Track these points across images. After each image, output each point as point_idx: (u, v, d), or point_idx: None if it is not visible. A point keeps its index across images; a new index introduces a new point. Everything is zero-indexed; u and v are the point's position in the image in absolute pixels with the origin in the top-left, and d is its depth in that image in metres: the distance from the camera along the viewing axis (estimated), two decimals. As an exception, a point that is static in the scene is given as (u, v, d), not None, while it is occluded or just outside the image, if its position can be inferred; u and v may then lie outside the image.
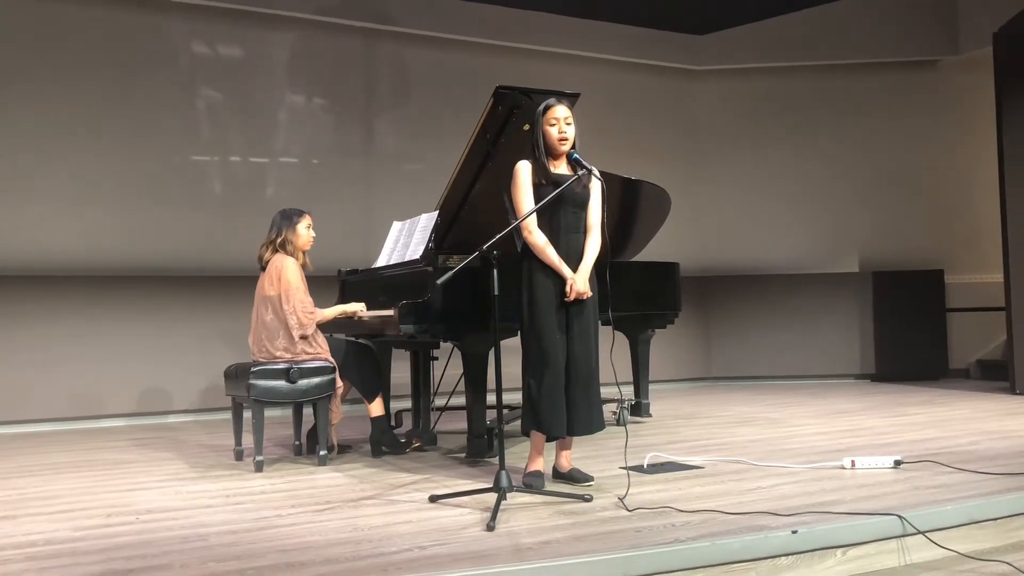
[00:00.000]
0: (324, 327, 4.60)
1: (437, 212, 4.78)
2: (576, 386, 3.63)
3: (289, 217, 4.60)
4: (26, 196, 6.39)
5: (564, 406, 3.61)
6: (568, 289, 3.57)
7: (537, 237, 3.62)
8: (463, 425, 4.52)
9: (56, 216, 6.47)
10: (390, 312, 4.39)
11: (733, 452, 4.44)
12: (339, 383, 4.51)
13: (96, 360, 6.48)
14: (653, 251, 5.80)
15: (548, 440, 3.72)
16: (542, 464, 3.74)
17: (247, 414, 4.50)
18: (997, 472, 3.65)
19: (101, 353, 6.50)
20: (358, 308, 4.69)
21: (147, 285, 6.69)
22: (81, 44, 6.62)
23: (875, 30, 8.61)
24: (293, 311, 4.40)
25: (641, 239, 5.72)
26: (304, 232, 4.60)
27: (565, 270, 3.60)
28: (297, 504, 3.51)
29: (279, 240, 4.55)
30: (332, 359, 4.50)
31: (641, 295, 5.48)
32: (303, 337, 4.42)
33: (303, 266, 4.58)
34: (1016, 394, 6.78)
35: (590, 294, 3.63)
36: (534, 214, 3.60)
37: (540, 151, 3.68)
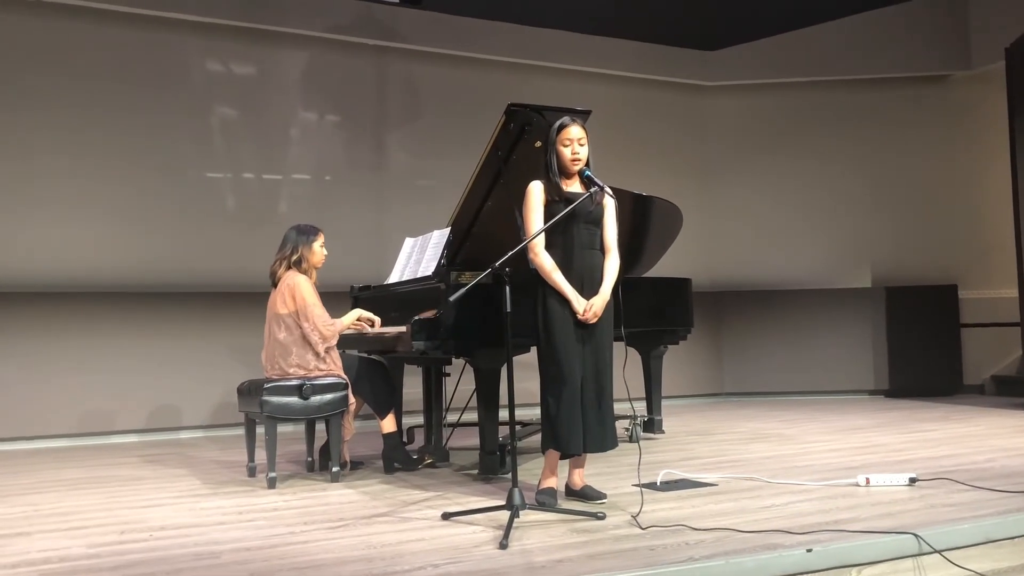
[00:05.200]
0: (337, 343, 4.60)
1: (449, 228, 4.80)
2: (590, 403, 3.62)
3: (306, 234, 4.60)
4: (38, 212, 6.45)
5: (581, 424, 3.60)
6: (587, 309, 3.57)
7: (544, 260, 3.62)
8: (475, 441, 4.52)
9: (70, 232, 6.51)
10: (402, 328, 4.40)
11: (747, 469, 4.42)
12: (352, 399, 4.52)
13: (108, 376, 6.51)
14: (665, 267, 5.80)
15: (563, 457, 3.71)
16: (555, 481, 3.73)
17: (260, 430, 4.50)
18: (1014, 490, 3.62)
19: (113, 369, 6.53)
20: (374, 318, 4.70)
21: (160, 301, 6.72)
22: (95, 61, 6.69)
23: (887, 45, 8.61)
24: (314, 327, 4.41)
25: (653, 255, 5.72)
26: (319, 250, 4.62)
27: (572, 296, 3.58)
28: (310, 521, 3.51)
29: (295, 258, 4.56)
30: (345, 375, 4.51)
31: (653, 311, 5.48)
32: (328, 350, 4.44)
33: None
34: (1032, 410, 6.73)
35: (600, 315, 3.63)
36: (542, 236, 3.61)
37: (553, 171, 3.69)
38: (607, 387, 3.68)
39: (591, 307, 3.58)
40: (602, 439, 3.66)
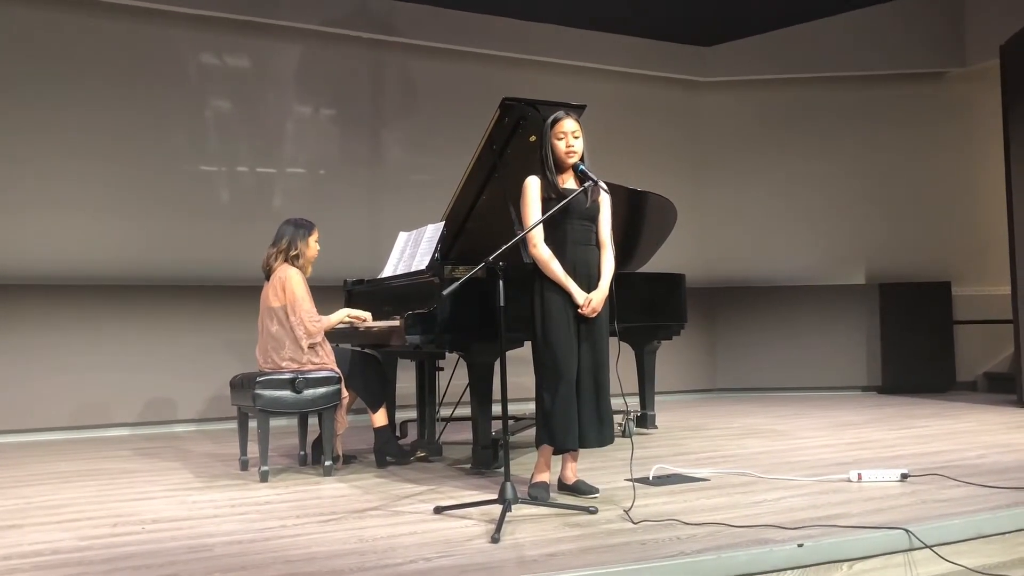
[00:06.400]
0: (330, 337, 4.61)
1: (443, 223, 4.79)
2: (587, 398, 3.63)
3: (303, 228, 4.60)
4: (33, 205, 6.43)
5: (576, 419, 3.61)
6: (585, 304, 3.58)
7: (542, 251, 3.63)
8: (468, 436, 4.52)
9: (63, 225, 6.49)
10: (396, 322, 4.40)
11: (739, 464, 4.43)
12: (344, 393, 4.51)
13: (102, 369, 6.50)
14: (659, 262, 5.80)
15: (556, 452, 3.72)
16: (548, 476, 3.73)
17: (253, 424, 4.50)
18: (1005, 486, 3.64)
19: (107, 362, 6.52)
20: (364, 315, 4.69)
21: (153, 294, 6.71)
22: (90, 54, 6.67)
23: (882, 42, 8.62)
24: (300, 322, 4.41)
25: (647, 250, 5.73)
26: (314, 245, 4.62)
27: (572, 287, 3.59)
28: (302, 514, 3.51)
29: (293, 252, 4.55)
30: (338, 369, 4.51)
31: (647, 306, 5.47)
32: (312, 346, 4.43)
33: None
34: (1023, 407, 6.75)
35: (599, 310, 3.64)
36: (540, 227, 3.61)
37: (548, 165, 3.69)
38: (605, 383, 3.69)
39: (590, 301, 3.58)
40: (601, 434, 3.67)
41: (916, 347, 8.40)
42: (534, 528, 3.16)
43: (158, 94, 6.85)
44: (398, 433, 5.22)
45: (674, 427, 6.15)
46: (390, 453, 4.70)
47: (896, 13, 8.59)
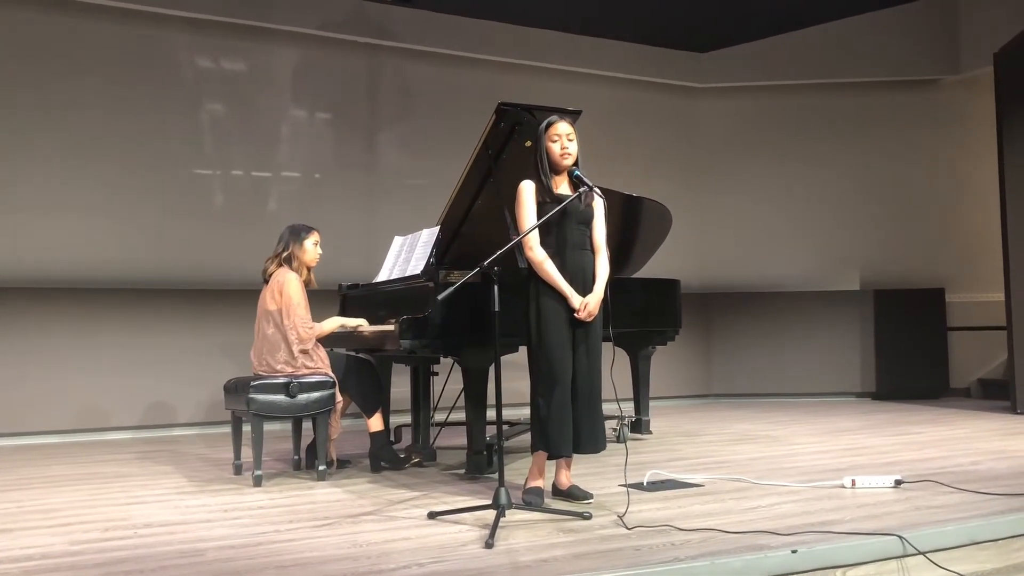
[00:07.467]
0: (324, 341, 4.60)
1: (438, 227, 4.79)
2: (582, 404, 3.63)
3: (297, 233, 4.61)
4: (29, 208, 6.40)
5: (571, 425, 3.61)
6: (581, 307, 3.58)
7: (537, 252, 3.63)
8: (463, 441, 4.51)
9: (59, 228, 6.47)
10: (390, 327, 4.40)
11: (733, 470, 4.43)
12: (339, 398, 4.51)
13: (99, 373, 6.48)
14: (654, 268, 5.80)
15: (551, 458, 3.71)
16: (542, 481, 3.73)
17: (247, 428, 4.49)
18: (998, 492, 3.64)
19: (104, 366, 6.50)
20: (359, 323, 4.69)
21: (150, 298, 6.70)
22: (85, 57, 6.65)
23: (876, 49, 8.64)
24: (293, 326, 4.41)
25: (642, 256, 5.73)
26: (311, 248, 4.62)
27: (568, 290, 3.59)
28: (295, 519, 3.50)
29: (285, 254, 4.56)
30: (332, 374, 4.50)
31: (642, 312, 5.48)
32: (303, 352, 4.43)
33: (307, 283, 4.59)
34: (1017, 413, 6.76)
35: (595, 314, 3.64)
36: (536, 231, 3.61)
37: (543, 168, 3.69)
38: (598, 388, 3.69)
39: (586, 305, 3.58)
40: (595, 440, 3.66)
41: (910, 353, 8.42)
42: (528, 534, 3.15)
43: (154, 97, 6.84)
44: (392, 438, 5.22)
45: (668, 433, 6.15)
46: (385, 458, 4.69)
47: (891, 20, 8.62)
